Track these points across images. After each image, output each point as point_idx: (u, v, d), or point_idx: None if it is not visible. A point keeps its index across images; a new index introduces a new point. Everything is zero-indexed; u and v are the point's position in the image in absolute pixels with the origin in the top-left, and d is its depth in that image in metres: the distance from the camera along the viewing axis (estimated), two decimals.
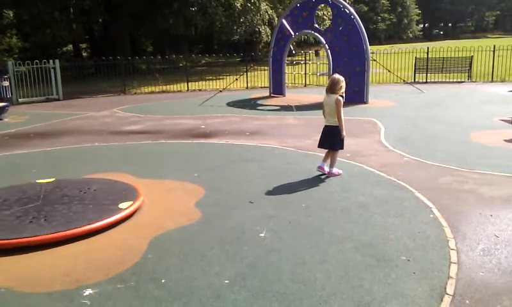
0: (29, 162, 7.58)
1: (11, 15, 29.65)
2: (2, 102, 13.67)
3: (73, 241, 4.23)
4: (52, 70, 17.26)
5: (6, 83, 15.77)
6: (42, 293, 3.39)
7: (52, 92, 17.35)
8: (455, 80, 19.09)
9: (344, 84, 6.08)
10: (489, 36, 70.22)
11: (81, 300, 3.27)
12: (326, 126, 6.24)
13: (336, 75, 6.19)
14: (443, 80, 19.21)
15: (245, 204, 5.15)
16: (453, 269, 3.57)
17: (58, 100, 17.17)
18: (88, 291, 3.37)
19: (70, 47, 38.81)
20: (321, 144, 6.30)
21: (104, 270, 3.68)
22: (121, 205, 4.90)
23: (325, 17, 28.96)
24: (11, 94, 16.07)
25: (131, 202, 4.99)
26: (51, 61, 17.32)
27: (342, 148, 6.28)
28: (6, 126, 11.52)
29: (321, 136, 6.31)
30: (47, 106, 15.64)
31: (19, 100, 16.41)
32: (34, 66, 16.73)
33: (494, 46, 19.13)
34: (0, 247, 4.06)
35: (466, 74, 19.42)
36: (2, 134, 10.40)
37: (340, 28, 13.54)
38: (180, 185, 5.94)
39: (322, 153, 7.28)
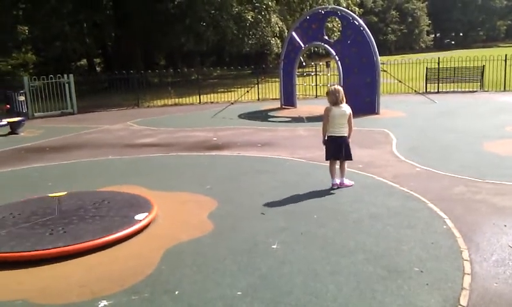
0: (44, 176, 7.71)
1: (26, 31, 30.27)
2: (18, 116, 13.92)
3: (89, 253, 4.30)
4: (66, 85, 17.54)
5: (22, 98, 16.05)
6: (59, 304, 3.45)
7: (66, 106, 17.61)
8: (467, 89, 18.97)
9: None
10: (501, 45, 69.71)
11: None
12: (338, 137, 6.13)
13: (338, 86, 6.32)
14: (455, 89, 19.11)
15: (257, 216, 5.18)
16: (466, 280, 3.56)
17: (73, 114, 17.42)
18: (103, 303, 3.42)
19: (84, 61, 39.40)
20: (337, 156, 6.19)
21: (119, 282, 3.73)
22: (137, 217, 4.97)
23: (334, 29, 29.04)
24: (27, 109, 16.35)
25: (147, 213, 5.06)
26: (65, 76, 17.61)
27: None
28: (22, 140, 11.73)
29: (334, 148, 6.16)
30: (62, 120, 15.88)
31: (34, 114, 16.68)
32: (49, 80, 17.02)
33: (506, 55, 19.01)
34: (18, 259, 4.14)
35: (478, 83, 19.28)
36: (18, 148, 10.58)
37: (349, 40, 13.59)
38: (193, 197, 5.99)
39: None
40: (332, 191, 5.98)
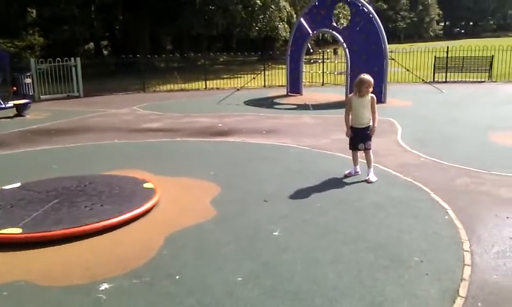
0: (50, 158, 7.75)
1: (34, 13, 30.23)
2: (24, 98, 13.97)
3: (91, 236, 4.33)
4: (73, 68, 17.56)
5: (29, 80, 16.09)
6: (60, 286, 3.49)
7: (73, 89, 17.65)
8: (475, 79, 18.82)
9: (363, 85, 5.93)
10: (511, 35, 68.82)
11: (97, 294, 3.36)
12: None
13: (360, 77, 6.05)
14: (463, 79, 18.96)
15: (260, 203, 5.20)
16: (466, 271, 3.56)
17: (79, 97, 17.47)
18: (104, 286, 3.46)
19: (91, 45, 39.37)
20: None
21: (121, 265, 3.77)
22: (146, 185, 5.54)
23: (341, 16, 28.76)
24: (33, 92, 16.40)
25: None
26: (72, 59, 17.63)
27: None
28: (28, 122, 11.78)
29: None
30: (68, 103, 15.92)
31: (41, 97, 16.74)
32: (56, 63, 17.04)
33: None
34: (21, 241, 4.19)
35: (487, 74, 19.12)
36: (24, 130, 10.64)
37: (358, 27, 13.47)
38: (197, 183, 6.01)
39: (339, 152, 7.34)
40: (335, 182, 5.95)
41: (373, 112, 6.05)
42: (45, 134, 10.10)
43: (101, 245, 4.18)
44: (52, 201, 5.06)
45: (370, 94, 5.99)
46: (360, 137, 6.07)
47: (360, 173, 6.16)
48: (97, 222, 4.47)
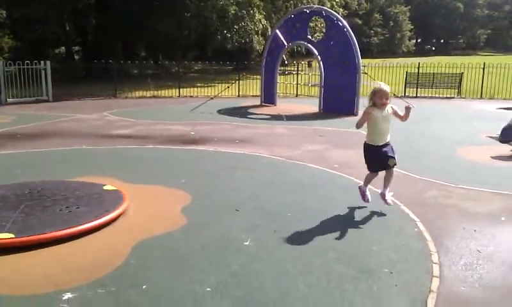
0: (14, 163, 7.49)
1: (4, 15, 29.50)
2: None
3: (55, 244, 4.17)
4: (42, 71, 17.14)
5: None
6: (20, 296, 3.35)
7: (41, 93, 17.21)
8: (445, 96, 19.28)
9: (375, 95, 5.28)
10: (480, 53, 71.13)
11: (60, 304, 3.23)
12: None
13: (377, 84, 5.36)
14: (433, 95, 19.40)
15: (231, 212, 5.14)
16: (435, 283, 3.59)
17: (48, 101, 17.03)
18: (67, 296, 3.32)
19: (63, 49, 38.62)
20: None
21: (85, 274, 3.64)
22: (109, 188, 5.57)
23: (317, 29, 29.10)
24: (0, 94, 15.91)
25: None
26: (42, 62, 17.21)
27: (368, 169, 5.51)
28: None
29: None
30: (36, 107, 15.50)
31: (8, 100, 16.25)
32: (25, 66, 16.61)
33: (484, 63, 19.38)
34: None
35: (456, 90, 19.63)
36: None
37: (333, 41, 13.64)
38: (167, 191, 5.91)
39: (311, 163, 7.33)
40: (307, 193, 5.95)
41: (402, 117, 5.56)
42: (10, 138, 9.78)
43: (65, 254, 4.03)
44: (12, 207, 4.87)
45: (390, 106, 5.38)
46: (385, 154, 5.28)
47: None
48: (62, 229, 4.32)
